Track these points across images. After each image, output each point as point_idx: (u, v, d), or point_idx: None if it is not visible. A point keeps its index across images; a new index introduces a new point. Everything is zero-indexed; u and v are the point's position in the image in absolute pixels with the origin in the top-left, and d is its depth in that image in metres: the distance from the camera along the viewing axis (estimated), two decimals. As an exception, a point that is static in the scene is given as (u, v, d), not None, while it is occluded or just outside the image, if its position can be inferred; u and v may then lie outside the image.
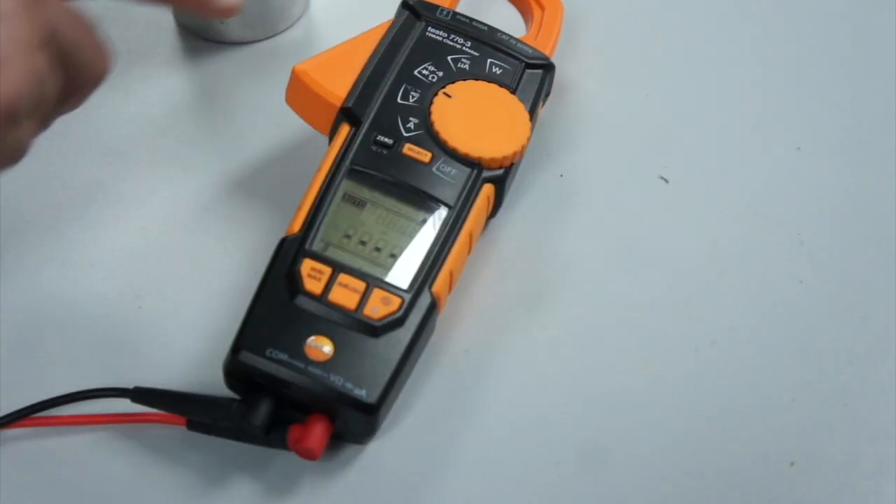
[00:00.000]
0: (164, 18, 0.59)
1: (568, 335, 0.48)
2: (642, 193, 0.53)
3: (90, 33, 0.38)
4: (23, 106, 0.35)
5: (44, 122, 0.38)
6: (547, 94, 0.53)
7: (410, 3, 0.52)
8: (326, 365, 0.42)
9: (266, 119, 0.54)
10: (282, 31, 0.59)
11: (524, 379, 0.47)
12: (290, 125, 0.52)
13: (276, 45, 0.58)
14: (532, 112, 0.50)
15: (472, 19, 0.52)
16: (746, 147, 0.55)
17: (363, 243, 0.46)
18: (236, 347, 0.43)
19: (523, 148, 0.49)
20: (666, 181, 0.54)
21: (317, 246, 0.45)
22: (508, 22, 0.54)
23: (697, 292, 0.50)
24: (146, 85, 0.56)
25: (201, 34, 0.58)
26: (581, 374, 0.47)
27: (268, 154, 0.54)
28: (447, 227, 0.46)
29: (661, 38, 0.60)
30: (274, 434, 0.43)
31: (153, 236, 0.51)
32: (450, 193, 0.47)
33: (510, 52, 0.52)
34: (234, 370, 0.43)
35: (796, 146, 0.55)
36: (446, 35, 0.51)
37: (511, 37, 0.52)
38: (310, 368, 0.42)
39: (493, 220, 0.51)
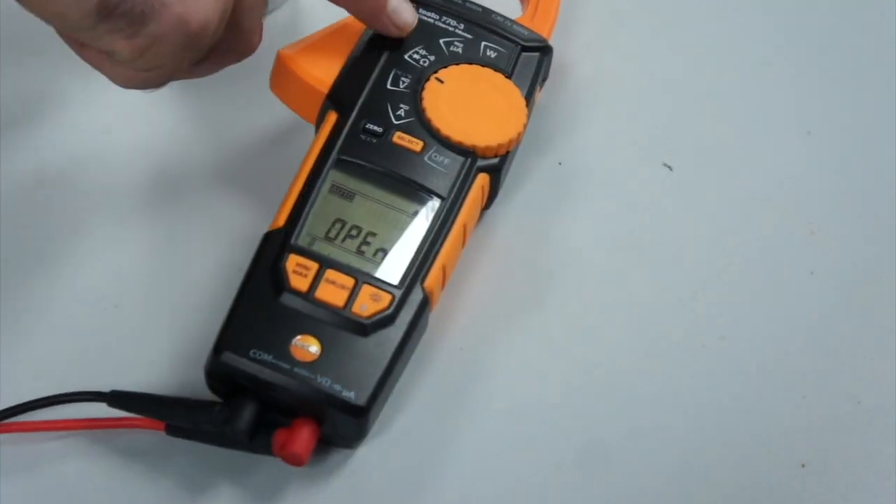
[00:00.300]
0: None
1: (568, 331, 0.48)
2: (646, 181, 0.53)
3: (260, 5, 0.41)
4: (206, 36, 0.38)
5: (186, 68, 0.41)
6: (544, 79, 0.52)
7: (401, -17, 0.51)
8: (313, 366, 0.42)
9: (249, 106, 0.54)
10: (266, 14, 0.57)
11: (522, 378, 0.47)
12: (274, 113, 0.51)
13: (266, 29, 0.57)
14: (529, 97, 0.50)
15: (465, 0, 0.52)
16: (754, 132, 0.55)
17: (351, 237, 0.45)
18: (218, 348, 0.43)
19: (519, 135, 0.49)
20: (670, 168, 0.53)
21: (303, 240, 0.45)
22: (503, 2, 0.53)
23: (704, 286, 0.50)
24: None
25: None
26: (582, 372, 0.47)
27: (251, 143, 0.53)
28: (440, 220, 0.46)
29: (666, 18, 0.59)
30: (258, 439, 0.43)
31: (130, 230, 0.51)
32: (442, 184, 0.47)
33: (505, 34, 0.51)
34: (216, 372, 0.43)
35: (806, 130, 0.55)
36: (438, 17, 0.51)
37: (506, 18, 0.52)
38: (296, 370, 0.42)
39: (489, 212, 0.51)
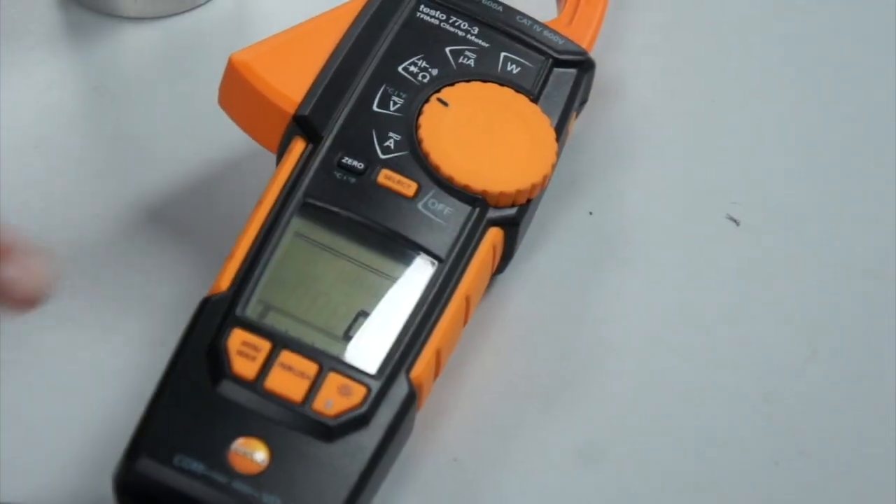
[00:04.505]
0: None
1: (599, 438, 0.48)
2: (703, 240, 0.53)
3: None
4: None
5: None
6: (582, 103, 0.53)
7: (395, -31, 0.52)
8: (258, 480, 0.42)
9: (186, 126, 0.54)
10: (207, 1, 0.58)
11: (534, 500, 0.46)
12: (221, 136, 0.52)
13: (200, 22, 0.58)
14: (560, 128, 0.50)
15: (481, -5, 0.52)
16: (848, 176, 0.55)
17: (317, 308, 0.45)
18: (133, 452, 0.42)
19: (546, 178, 0.48)
20: (736, 223, 0.53)
21: (252, 310, 0.44)
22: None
23: (780, 382, 0.49)
24: (12, 78, 0.56)
25: (91, 5, 0.58)
26: (616, 497, 0.47)
27: (187, 177, 0.53)
28: (435, 288, 0.46)
29: (734, 26, 0.60)
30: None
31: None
32: (441, 240, 0.46)
33: (533, 42, 0.51)
34: (129, 484, 0.42)
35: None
36: (444, 17, 0.51)
37: (535, 21, 0.52)
38: (235, 484, 0.41)
39: (501, 277, 0.50)
